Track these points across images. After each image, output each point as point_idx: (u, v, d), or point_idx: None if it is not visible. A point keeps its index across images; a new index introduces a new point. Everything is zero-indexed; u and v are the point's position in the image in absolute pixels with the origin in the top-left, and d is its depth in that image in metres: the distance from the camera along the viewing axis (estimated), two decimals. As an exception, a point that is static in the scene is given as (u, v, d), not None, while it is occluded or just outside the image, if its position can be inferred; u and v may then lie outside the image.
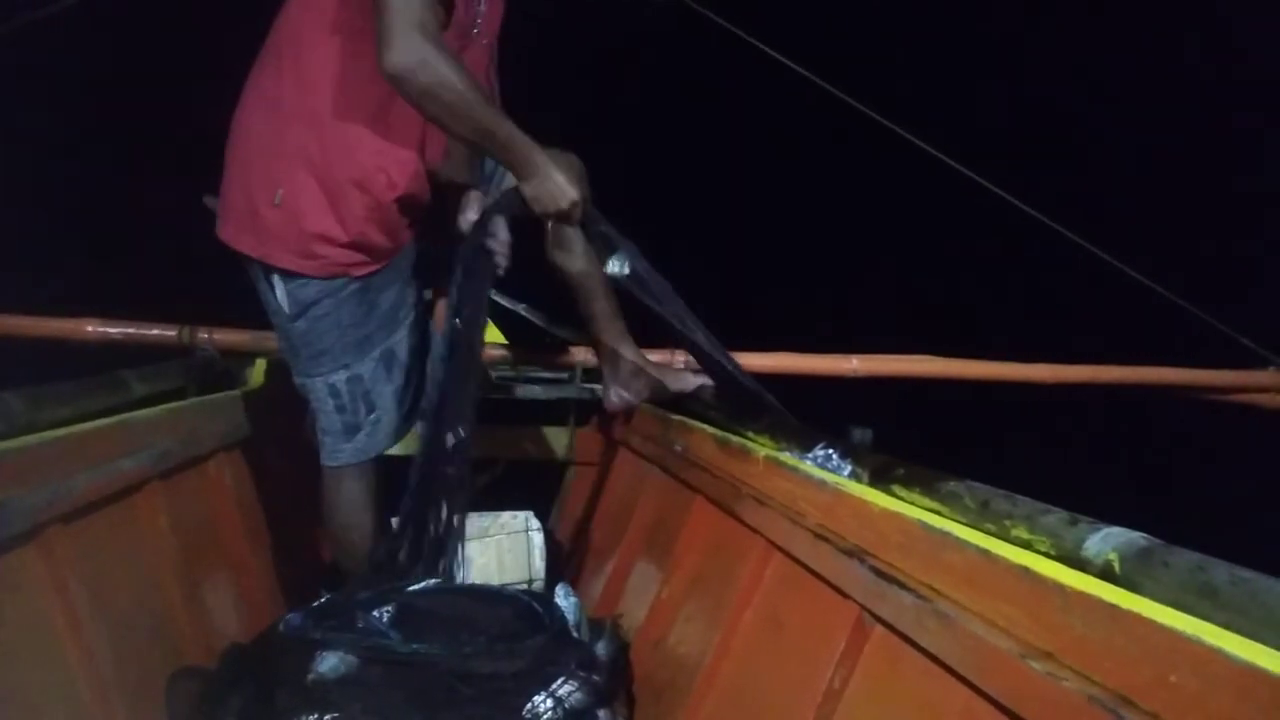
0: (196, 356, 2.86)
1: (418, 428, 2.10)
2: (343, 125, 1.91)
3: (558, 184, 1.86)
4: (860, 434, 1.88)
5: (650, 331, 2.48)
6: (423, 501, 1.91)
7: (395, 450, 2.26)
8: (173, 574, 1.94)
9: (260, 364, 2.93)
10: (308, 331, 2.03)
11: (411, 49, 1.71)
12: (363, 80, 1.87)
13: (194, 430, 2.23)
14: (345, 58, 1.89)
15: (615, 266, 2.06)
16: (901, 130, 3.29)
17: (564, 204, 1.88)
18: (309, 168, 1.91)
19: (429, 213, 2.09)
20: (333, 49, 1.90)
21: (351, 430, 2.09)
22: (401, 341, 2.12)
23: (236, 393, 2.72)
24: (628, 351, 2.50)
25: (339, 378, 2.06)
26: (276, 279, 2.01)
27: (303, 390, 2.15)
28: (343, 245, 1.96)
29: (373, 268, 2.03)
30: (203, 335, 2.92)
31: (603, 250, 2.10)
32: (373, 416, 2.09)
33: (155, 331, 2.93)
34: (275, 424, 2.77)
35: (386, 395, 2.10)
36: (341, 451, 2.10)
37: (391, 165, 1.95)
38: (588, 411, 3.26)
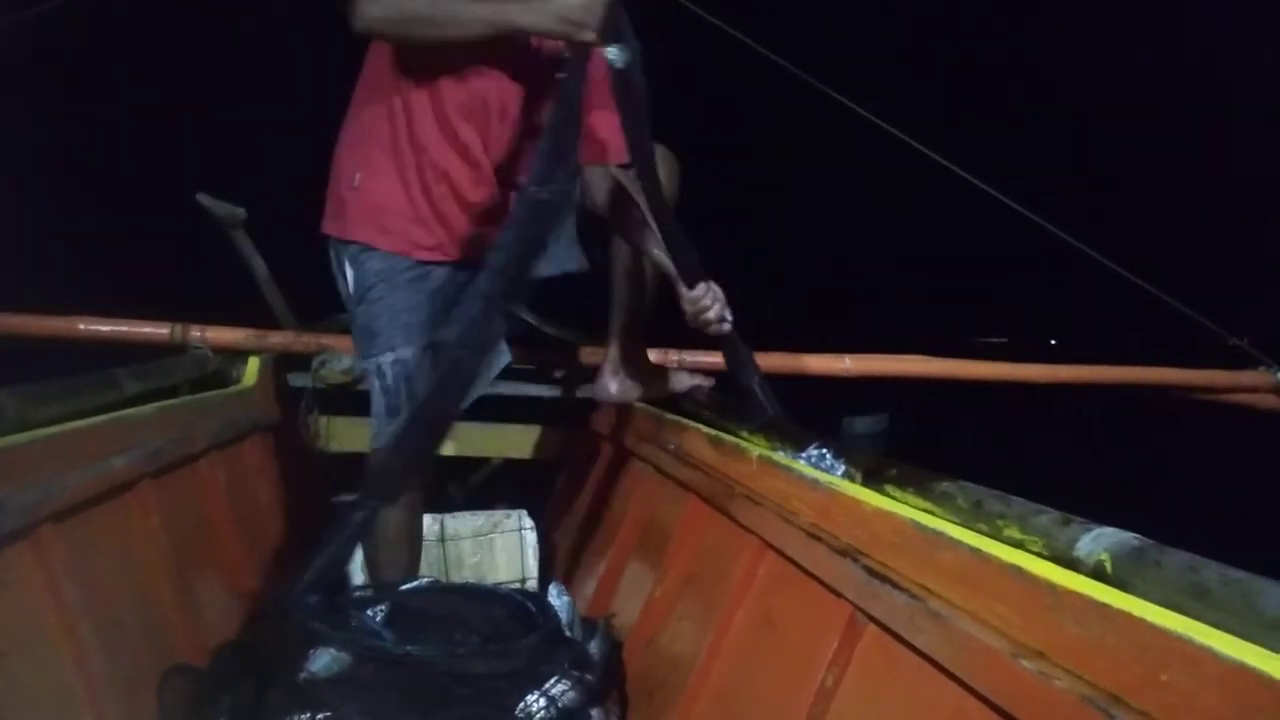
0: (189, 355, 2.86)
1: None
2: (419, 121, 2.08)
3: (563, 3, 1.84)
4: (872, 422, 1.86)
5: (647, 332, 2.49)
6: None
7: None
8: (165, 572, 1.94)
9: (253, 362, 2.92)
10: (366, 313, 2.16)
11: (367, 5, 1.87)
12: (444, 86, 2.06)
13: (186, 429, 2.22)
14: (429, 68, 2.04)
15: (612, 55, 1.90)
16: (898, 131, 3.29)
17: (579, 13, 1.83)
18: (384, 154, 2.11)
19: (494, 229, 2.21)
20: (414, 61, 2.05)
21: (393, 413, 2.15)
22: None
23: (229, 391, 2.71)
24: (631, 347, 2.51)
25: (386, 360, 2.14)
26: (348, 265, 2.17)
27: (363, 374, 2.31)
28: (411, 220, 2.12)
29: (435, 256, 2.14)
30: (195, 333, 2.91)
31: (610, 37, 1.93)
32: (414, 402, 2.12)
33: (147, 329, 2.93)
34: (268, 422, 2.77)
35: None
36: (382, 434, 2.16)
37: (459, 166, 2.10)
38: (582, 410, 3.26)
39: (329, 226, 2.20)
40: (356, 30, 1.90)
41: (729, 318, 2.14)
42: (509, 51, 2.05)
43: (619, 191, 2.22)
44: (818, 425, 1.93)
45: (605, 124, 2.21)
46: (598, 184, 2.26)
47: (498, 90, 2.10)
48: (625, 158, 2.24)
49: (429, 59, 2.02)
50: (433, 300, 2.15)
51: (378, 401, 2.17)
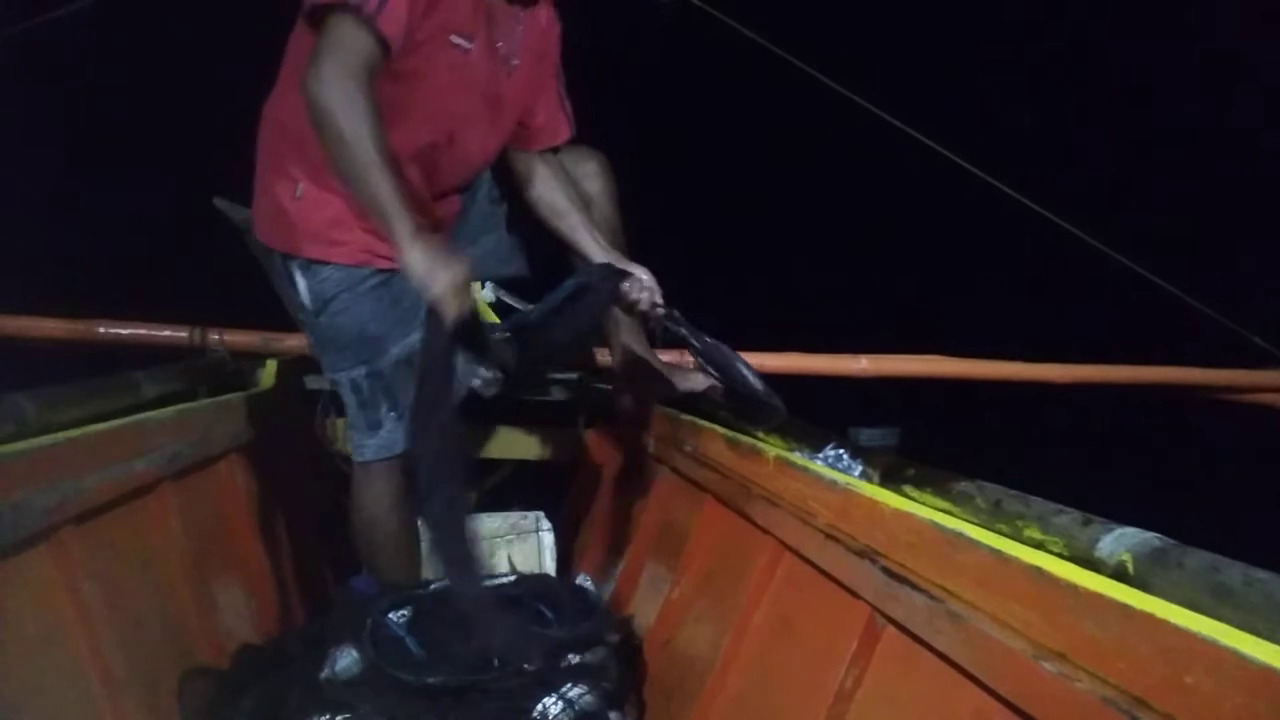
0: (208, 358, 2.87)
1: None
2: None
3: (426, 266, 1.65)
4: (879, 434, 1.85)
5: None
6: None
7: None
8: (184, 575, 1.95)
9: (271, 365, 2.93)
10: (330, 327, 2.06)
11: (329, 83, 1.68)
12: (396, 130, 1.88)
13: (205, 431, 2.23)
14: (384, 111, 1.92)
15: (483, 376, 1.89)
16: (907, 128, 3.28)
17: (435, 289, 1.64)
18: (326, 172, 1.92)
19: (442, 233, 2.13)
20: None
21: (374, 426, 2.10)
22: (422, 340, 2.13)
23: (248, 394, 2.73)
24: (640, 351, 2.50)
25: (360, 373, 2.07)
26: (299, 275, 2.04)
27: (333, 387, 2.18)
28: (365, 230, 1.98)
29: (392, 264, 2.04)
30: (214, 336, 2.93)
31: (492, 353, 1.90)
32: (394, 413, 2.10)
33: (166, 333, 2.94)
34: (286, 425, 2.78)
35: (408, 392, 2.11)
36: (366, 447, 2.12)
37: (405, 166, 1.95)
38: (597, 412, 3.26)
39: (270, 238, 2.06)
40: (302, 89, 1.71)
41: (661, 302, 2.07)
42: (468, 94, 1.99)
43: (548, 180, 2.20)
44: (834, 427, 1.92)
45: (543, 107, 2.18)
46: (532, 170, 2.20)
47: (450, 128, 2.02)
48: (563, 138, 2.22)
49: (384, 103, 1.79)
50: (397, 306, 2.05)
51: (356, 417, 2.09)
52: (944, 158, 3.30)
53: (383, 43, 1.76)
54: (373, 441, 2.10)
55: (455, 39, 1.95)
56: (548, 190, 2.20)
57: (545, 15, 2.14)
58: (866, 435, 1.97)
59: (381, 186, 1.69)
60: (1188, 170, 5.36)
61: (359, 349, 2.06)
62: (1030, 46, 5.75)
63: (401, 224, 1.67)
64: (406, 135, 1.92)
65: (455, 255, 1.70)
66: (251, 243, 3.14)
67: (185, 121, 4.73)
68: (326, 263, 2.02)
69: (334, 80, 1.69)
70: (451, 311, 1.64)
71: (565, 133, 2.24)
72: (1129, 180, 5.56)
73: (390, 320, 2.06)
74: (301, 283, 2.04)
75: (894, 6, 5.81)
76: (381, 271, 2.03)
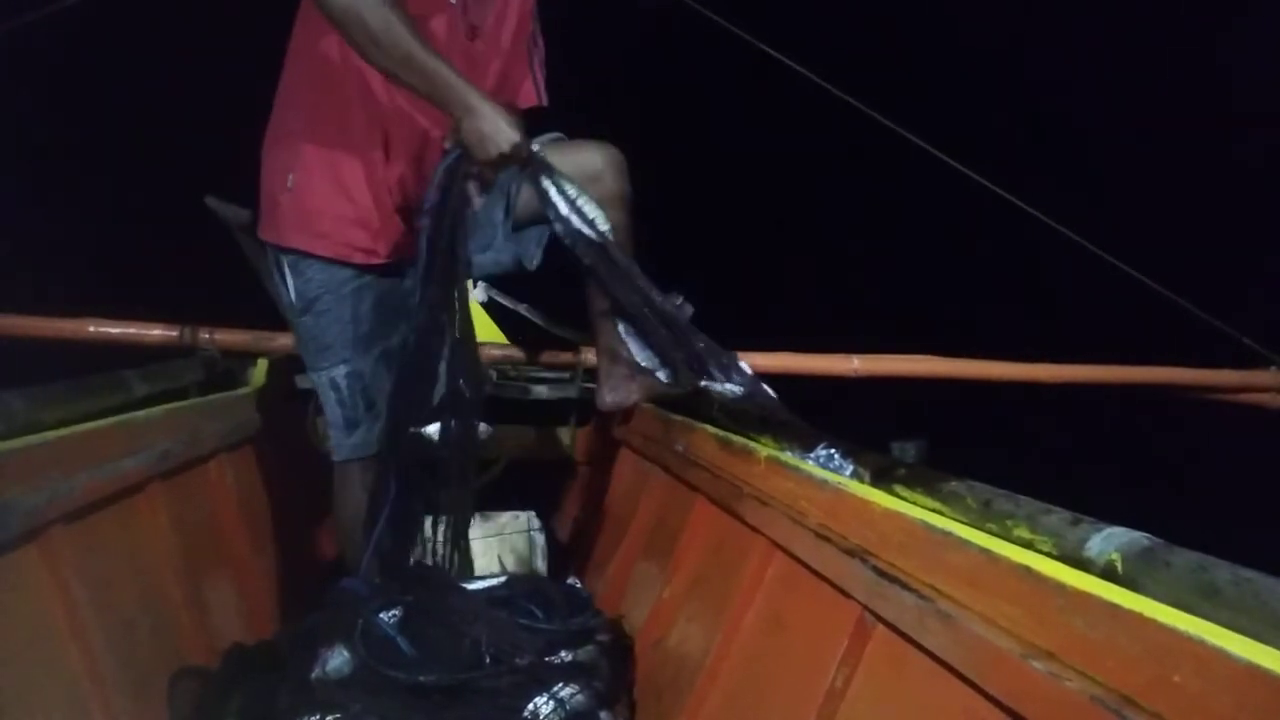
0: (198, 357, 2.86)
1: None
2: (348, 114, 2.00)
3: (494, 124, 1.75)
4: (920, 447, 1.85)
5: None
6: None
7: None
8: (174, 574, 1.94)
9: (262, 364, 2.93)
10: (313, 326, 2.10)
11: None
12: (369, 74, 1.94)
13: (196, 430, 2.23)
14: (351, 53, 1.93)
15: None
16: (900, 129, 3.29)
17: (503, 146, 1.76)
18: (316, 153, 2.01)
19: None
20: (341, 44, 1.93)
21: (351, 425, 2.12)
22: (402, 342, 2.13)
23: (238, 393, 2.72)
24: (625, 351, 2.49)
25: (339, 373, 2.10)
26: (287, 271, 2.09)
27: (312, 385, 2.21)
28: (350, 222, 2.03)
29: (376, 260, 2.07)
30: (204, 335, 2.91)
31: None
32: (372, 413, 2.11)
33: (157, 331, 2.93)
34: (277, 424, 2.77)
35: (386, 393, 2.12)
36: (343, 446, 2.14)
37: (392, 155, 2.02)
38: (589, 412, 3.26)
39: (264, 232, 2.11)
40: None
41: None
42: (448, 51, 1.96)
43: None
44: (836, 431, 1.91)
45: (516, 75, 2.19)
46: None
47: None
48: (528, 103, 2.21)
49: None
50: (378, 308, 2.09)
51: (334, 414, 2.12)
52: (933, 156, 3.30)
53: None
54: (349, 441, 2.13)
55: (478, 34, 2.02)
56: None
57: None
58: (906, 449, 1.93)
59: (430, 61, 1.73)
60: (1177, 170, 5.37)
61: (340, 348, 2.09)
62: (1022, 47, 5.76)
63: (464, 88, 1.74)
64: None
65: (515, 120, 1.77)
66: (244, 242, 3.14)
67: (177, 119, 4.72)
68: (309, 255, 2.05)
69: None
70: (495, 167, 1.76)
71: (531, 99, 2.23)
72: (1120, 179, 5.58)
73: (373, 321, 2.09)
74: (290, 280, 2.09)
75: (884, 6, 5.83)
76: (361, 272, 2.07)
